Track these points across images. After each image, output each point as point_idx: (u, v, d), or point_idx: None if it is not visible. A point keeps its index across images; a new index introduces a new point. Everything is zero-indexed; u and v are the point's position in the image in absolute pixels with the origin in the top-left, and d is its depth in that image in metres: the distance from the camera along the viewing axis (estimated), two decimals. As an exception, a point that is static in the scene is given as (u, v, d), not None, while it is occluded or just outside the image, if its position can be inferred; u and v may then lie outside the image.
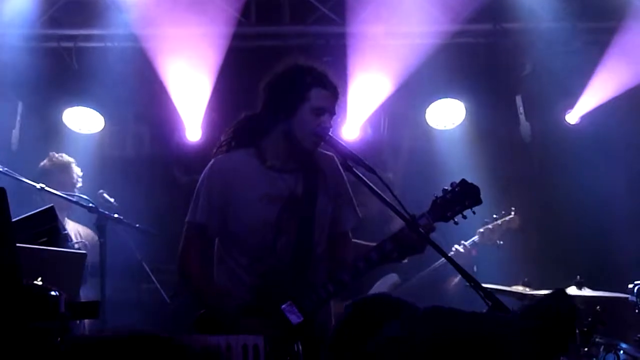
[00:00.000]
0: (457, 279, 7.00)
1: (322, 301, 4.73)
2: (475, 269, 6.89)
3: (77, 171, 7.05)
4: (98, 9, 7.86)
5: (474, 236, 6.97)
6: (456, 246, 6.96)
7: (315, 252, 4.88)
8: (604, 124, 8.25)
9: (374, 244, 4.84)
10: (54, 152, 7.07)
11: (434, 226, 4.73)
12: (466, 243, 6.96)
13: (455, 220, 4.81)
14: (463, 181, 4.81)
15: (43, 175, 6.87)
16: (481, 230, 6.98)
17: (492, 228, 7.02)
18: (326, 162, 4.99)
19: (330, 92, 4.85)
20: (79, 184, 7.06)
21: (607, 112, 8.25)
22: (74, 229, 6.93)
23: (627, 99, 8.16)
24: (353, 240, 5.13)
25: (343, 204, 5.05)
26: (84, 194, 6.65)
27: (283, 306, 4.60)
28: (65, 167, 7.01)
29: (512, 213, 7.07)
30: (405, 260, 5.20)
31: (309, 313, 4.62)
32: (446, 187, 4.78)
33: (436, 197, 4.77)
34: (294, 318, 4.57)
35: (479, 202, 4.80)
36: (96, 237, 6.84)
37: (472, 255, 7.09)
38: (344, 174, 5.00)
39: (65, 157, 7.07)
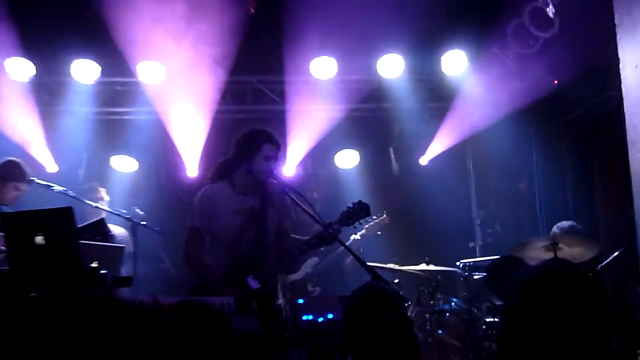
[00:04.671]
0: (350, 258, 6.92)
1: (271, 275, 5.05)
2: (361, 250, 7.41)
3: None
4: (131, 94, 8.58)
5: (361, 230, 7.49)
6: (353, 236, 7.48)
7: (266, 244, 5.22)
8: (441, 164, 9.06)
9: (305, 238, 5.21)
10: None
11: (340, 230, 5.07)
12: (357, 235, 7.58)
13: (354, 225, 5.19)
14: (360, 201, 5.18)
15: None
16: (366, 226, 7.57)
17: (373, 224, 7.68)
18: (274, 188, 5.30)
19: (275, 146, 5.24)
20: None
21: (443, 157, 9.05)
22: (113, 230, 6.72)
23: (453, 150, 9.04)
24: (292, 235, 5.39)
25: (284, 213, 5.37)
26: (123, 209, 6.84)
27: (247, 278, 4.80)
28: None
29: (384, 214, 7.83)
30: (322, 249, 5.98)
31: (263, 282, 4.86)
32: (349, 205, 5.15)
33: (343, 211, 5.12)
34: (254, 285, 4.77)
35: (369, 215, 5.21)
36: (126, 232, 7.09)
37: (361, 244, 7.65)
38: (285, 196, 5.25)
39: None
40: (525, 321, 2.14)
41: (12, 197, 6.40)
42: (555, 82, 7.87)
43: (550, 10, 6.80)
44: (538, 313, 2.12)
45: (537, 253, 6.11)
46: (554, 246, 6.02)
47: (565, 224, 6.80)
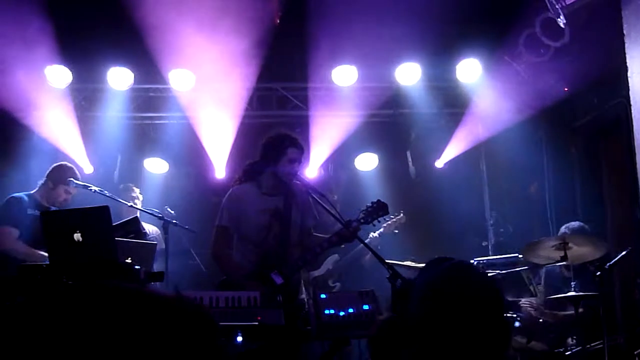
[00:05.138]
0: (369, 255, 7.02)
1: (295, 271, 5.12)
2: (379, 248, 7.25)
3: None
4: (162, 99, 8.66)
5: (380, 228, 7.58)
6: (371, 234, 7.51)
7: (290, 242, 5.27)
8: (456, 167, 9.17)
9: (326, 236, 5.25)
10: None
11: (360, 228, 5.14)
12: (376, 233, 7.63)
13: (374, 223, 5.27)
14: (378, 200, 5.27)
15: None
16: (384, 224, 7.60)
17: (390, 223, 7.74)
18: (297, 189, 5.39)
19: (299, 149, 5.31)
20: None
21: (458, 160, 9.11)
22: (146, 228, 6.93)
23: (468, 153, 9.09)
24: (314, 234, 5.44)
25: (306, 213, 5.41)
26: (155, 208, 6.96)
27: (271, 273, 4.92)
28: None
29: (401, 214, 7.92)
30: (343, 246, 5.98)
31: (287, 277, 4.98)
32: (368, 204, 5.23)
33: (362, 209, 5.19)
34: (278, 280, 4.88)
35: (387, 213, 5.29)
36: (158, 230, 7.20)
37: (379, 241, 7.68)
38: (308, 196, 5.34)
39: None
40: (429, 321, 2.18)
41: (63, 199, 6.49)
42: (565, 89, 7.92)
43: (561, 21, 6.82)
44: (437, 313, 2.17)
45: (547, 252, 6.05)
46: (563, 246, 5.94)
47: (574, 224, 6.75)
